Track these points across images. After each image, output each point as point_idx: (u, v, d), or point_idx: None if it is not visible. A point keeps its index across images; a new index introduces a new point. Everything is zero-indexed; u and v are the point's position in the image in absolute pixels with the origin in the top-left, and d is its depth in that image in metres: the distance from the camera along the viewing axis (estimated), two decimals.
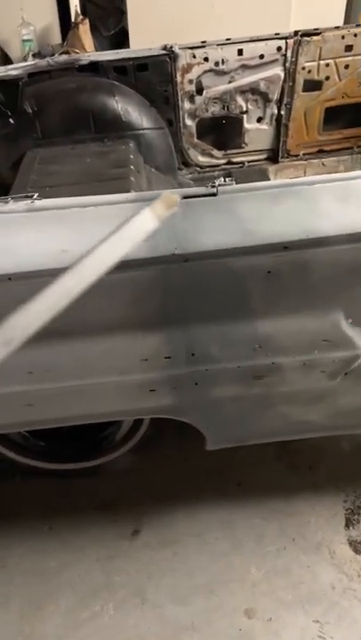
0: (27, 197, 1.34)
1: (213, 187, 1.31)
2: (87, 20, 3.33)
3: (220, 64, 2.43)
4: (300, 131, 2.66)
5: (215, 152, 2.68)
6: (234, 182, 1.33)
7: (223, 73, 2.47)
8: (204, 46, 2.40)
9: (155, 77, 2.41)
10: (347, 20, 3.73)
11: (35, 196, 1.33)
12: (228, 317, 1.36)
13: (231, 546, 1.67)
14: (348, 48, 2.45)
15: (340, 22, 3.63)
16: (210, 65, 2.43)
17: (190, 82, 2.47)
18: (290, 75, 2.49)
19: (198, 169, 2.69)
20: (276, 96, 2.56)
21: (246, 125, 2.64)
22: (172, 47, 2.35)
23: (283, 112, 2.59)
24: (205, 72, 2.45)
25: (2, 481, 1.86)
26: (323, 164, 2.73)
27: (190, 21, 3.19)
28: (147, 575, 1.62)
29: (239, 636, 1.47)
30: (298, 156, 2.72)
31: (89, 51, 3.28)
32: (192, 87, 2.48)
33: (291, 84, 2.52)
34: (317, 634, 1.46)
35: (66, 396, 1.43)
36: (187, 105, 2.53)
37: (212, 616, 1.52)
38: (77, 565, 1.65)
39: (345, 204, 1.28)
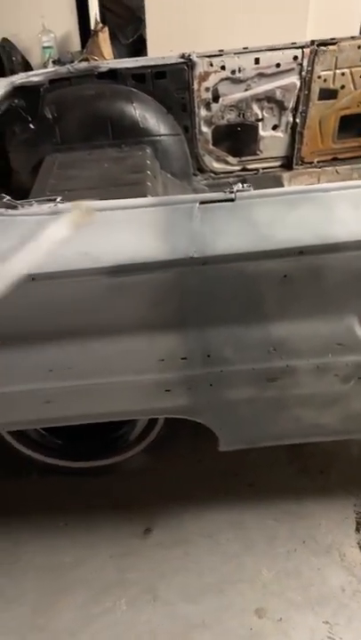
0: (50, 200, 1.38)
1: (231, 192, 1.34)
2: (107, 28, 3.39)
3: (237, 72, 2.48)
4: (314, 138, 2.69)
5: (230, 159, 2.71)
6: (251, 188, 1.36)
7: (240, 81, 2.51)
8: (221, 55, 2.44)
9: (172, 85, 2.46)
10: None
11: (58, 199, 1.37)
12: (243, 320, 1.38)
13: (242, 547, 1.69)
14: None
15: (356, 31, 3.65)
16: (227, 73, 2.47)
17: (207, 89, 2.51)
18: (306, 83, 2.52)
19: (213, 175, 2.73)
20: (291, 104, 2.59)
21: (261, 133, 2.67)
22: (189, 55, 2.40)
23: (298, 120, 2.63)
24: (222, 80, 2.49)
25: (18, 478, 1.89)
26: (336, 171, 2.75)
27: (207, 30, 3.24)
28: (159, 573, 1.64)
29: (250, 635, 1.49)
30: (312, 163, 2.75)
31: (108, 58, 3.34)
32: (209, 95, 2.53)
33: (306, 92, 2.55)
34: (327, 635, 1.47)
35: (84, 394, 1.46)
36: (203, 112, 2.58)
37: (222, 615, 1.54)
38: (91, 562, 1.68)
39: (360, 210, 1.31)
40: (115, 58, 3.44)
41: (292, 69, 2.49)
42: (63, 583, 1.63)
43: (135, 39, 3.57)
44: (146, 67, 2.42)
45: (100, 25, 3.41)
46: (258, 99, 2.59)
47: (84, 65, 2.49)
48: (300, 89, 2.53)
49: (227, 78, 2.49)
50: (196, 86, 2.49)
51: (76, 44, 3.76)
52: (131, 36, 3.60)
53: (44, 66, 3.55)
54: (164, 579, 1.63)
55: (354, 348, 1.42)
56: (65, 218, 1.32)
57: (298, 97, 2.57)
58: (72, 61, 2.70)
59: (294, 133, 2.67)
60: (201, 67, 2.44)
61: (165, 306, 1.35)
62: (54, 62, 3.53)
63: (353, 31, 3.64)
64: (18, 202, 1.39)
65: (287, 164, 2.75)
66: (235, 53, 2.45)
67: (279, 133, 2.69)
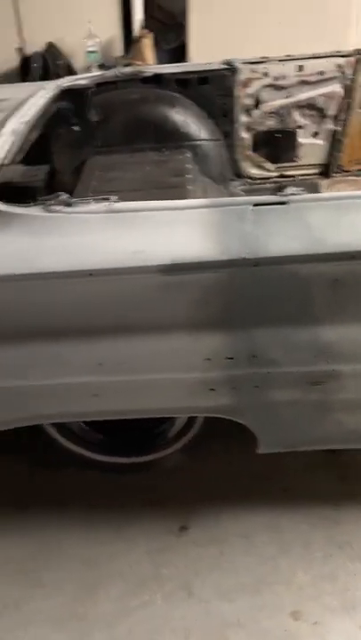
0: (105, 199, 1.42)
1: (285, 195, 1.36)
2: (150, 34, 3.45)
3: (280, 79, 2.50)
4: (354, 147, 2.69)
5: (268, 165, 2.73)
6: (304, 192, 1.38)
7: (282, 88, 2.53)
8: (264, 61, 2.47)
9: (214, 90, 2.49)
10: None
11: (113, 198, 1.41)
12: (291, 322, 1.40)
13: (278, 549, 1.69)
14: None
15: None
16: (269, 80, 2.49)
17: (249, 96, 2.54)
18: (348, 91, 2.53)
19: (250, 181, 2.75)
20: (332, 112, 2.60)
21: (301, 140, 2.68)
22: (233, 62, 2.43)
23: (338, 128, 2.63)
24: (264, 87, 2.52)
25: (56, 470, 1.93)
26: None
27: (248, 37, 3.28)
28: (194, 570, 1.66)
29: (285, 636, 1.50)
30: (350, 171, 2.75)
31: (150, 63, 3.40)
32: (250, 101, 2.55)
33: (349, 100, 2.56)
34: None
35: (130, 389, 1.49)
36: (243, 118, 2.60)
37: (257, 615, 1.55)
38: (127, 555, 1.70)
39: None
40: (156, 63, 3.50)
41: (335, 77, 2.50)
42: (101, 575, 1.66)
43: (176, 45, 3.63)
44: (190, 72, 2.46)
45: (144, 31, 3.48)
46: (299, 106, 2.60)
47: (129, 69, 2.54)
48: (343, 97, 2.54)
49: (269, 85, 2.51)
50: (238, 92, 2.52)
51: (119, 49, 3.83)
52: (173, 41, 3.66)
53: (88, 70, 3.63)
54: (199, 576, 1.64)
55: None
56: None
57: (340, 105, 2.57)
58: (115, 66, 2.75)
59: (334, 141, 2.67)
60: (244, 73, 2.46)
61: (215, 305, 1.37)
62: (99, 67, 3.60)
63: None
64: (74, 199, 1.44)
65: (325, 171, 2.76)
66: (278, 60, 2.47)
67: (319, 141, 2.69)
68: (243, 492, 1.85)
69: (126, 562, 1.69)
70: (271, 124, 2.65)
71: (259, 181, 2.75)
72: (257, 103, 2.58)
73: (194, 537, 1.74)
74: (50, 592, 1.63)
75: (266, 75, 2.49)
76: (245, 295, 1.36)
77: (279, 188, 1.39)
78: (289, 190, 1.37)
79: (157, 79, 2.46)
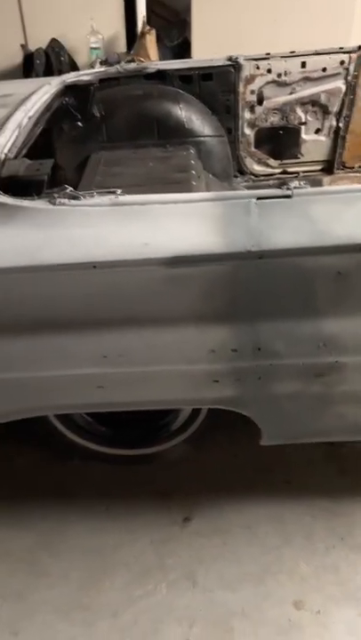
0: (111, 192, 1.43)
1: (288, 189, 1.37)
2: (154, 31, 3.46)
3: (283, 75, 2.51)
4: (357, 143, 2.70)
5: (271, 161, 2.74)
6: (308, 186, 1.39)
7: (285, 84, 2.54)
8: (268, 58, 2.48)
9: (218, 87, 2.50)
10: None
11: (119, 192, 1.42)
12: (295, 314, 1.41)
13: (281, 540, 1.71)
14: None
15: None
16: (273, 76, 2.50)
17: (252, 92, 2.55)
18: (351, 88, 2.54)
19: (253, 177, 2.76)
20: (335, 108, 2.61)
21: (304, 136, 2.69)
22: (237, 58, 2.44)
23: (341, 124, 2.64)
24: (268, 83, 2.53)
25: (61, 462, 1.95)
26: None
27: (252, 34, 3.29)
28: (197, 560, 1.68)
29: (288, 625, 1.51)
30: (353, 168, 2.76)
31: (153, 60, 3.41)
32: (253, 97, 2.56)
33: (351, 97, 2.57)
34: None
35: (135, 380, 1.51)
36: (247, 114, 2.61)
37: (261, 604, 1.57)
38: (132, 546, 1.72)
39: None
40: (160, 60, 3.51)
41: (338, 74, 2.51)
42: (105, 565, 1.68)
43: (180, 42, 3.65)
44: (193, 68, 2.47)
45: (148, 27, 3.49)
46: (302, 102, 2.62)
47: (132, 65, 2.55)
48: (346, 93, 2.55)
49: (272, 81, 2.52)
50: (241, 89, 2.53)
51: (122, 45, 3.84)
52: (176, 38, 3.67)
53: (91, 66, 3.64)
54: (203, 566, 1.66)
55: None
56: None
57: (343, 101, 2.58)
58: (118, 62, 2.76)
59: (337, 137, 2.68)
60: (247, 69, 2.47)
61: (220, 298, 1.39)
62: (101, 63, 3.62)
63: None
64: (80, 193, 1.45)
65: (328, 168, 2.77)
66: (282, 57, 2.48)
67: (322, 137, 2.71)
68: (246, 483, 1.87)
69: (131, 552, 1.71)
70: (274, 120, 2.66)
71: (262, 178, 2.76)
72: (260, 99, 2.59)
73: (197, 528, 1.76)
74: (55, 582, 1.65)
75: (269, 71, 2.50)
76: (250, 288, 1.38)
77: (283, 182, 1.40)
78: (293, 184, 1.39)
79: (161, 75, 2.47)
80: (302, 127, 2.69)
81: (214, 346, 1.45)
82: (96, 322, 1.43)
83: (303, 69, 2.50)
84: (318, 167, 2.78)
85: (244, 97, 2.57)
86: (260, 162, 2.75)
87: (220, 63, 2.48)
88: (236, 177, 2.75)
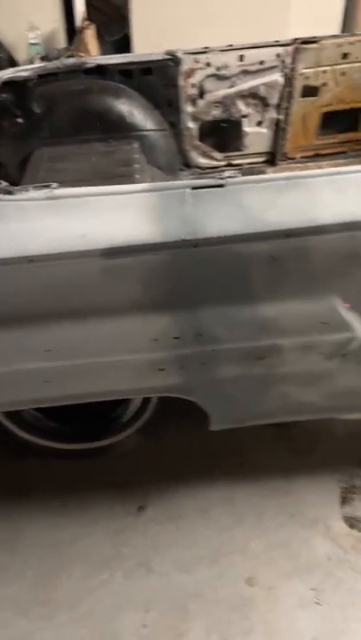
0: (45, 186, 1.43)
1: (221, 178, 1.41)
2: (93, 26, 3.45)
3: (222, 69, 2.54)
4: (297, 135, 2.77)
5: (215, 154, 2.78)
6: (240, 175, 1.43)
7: (225, 78, 2.58)
8: (206, 52, 2.51)
9: (159, 81, 2.52)
10: (345, 25, 3.84)
11: (54, 185, 1.42)
12: (233, 300, 1.45)
13: (233, 521, 1.76)
14: (345, 56, 2.57)
15: (338, 26, 3.73)
16: (212, 70, 2.54)
17: (193, 86, 2.58)
18: (288, 80, 2.60)
19: (199, 170, 2.79)
20: (275, 101, 2.67)
21: (246, 129, 2.74)
22: (175, 52, 2.47)
23: (281, 116, 2.70)
24: (208, 77, 2.56)
25: (16, 461, 1.94)
26: (319, 167, 2.84)
27: (191, 28, 3.31)
28: (153, 547, 1.70)
29: (242, 602, 1.56)
30: (295, 159, 2.83)
31: (94, 55, 3.40)
32: (195, 91, 2.59)
33: (289, 89, 2.63)
34: (314, 601, 1.55)
35: (81, 373, 1.52)
36: (189, 108, 2.64)
37: (215, 584, 1.61)
38: (88, 538, 1.73)
39: (342, 195, 1.39)
40: (101, 55, 3.49)
41: (275, 67, 2.56)
42: (62, 559, 1.69)
43: (120, 37, 3.64)
44: (133, 63, 2.48)
45: (87, 22, 3.47)
46: (242, 95, 2.66)
47: (72, 61, 2.53)
48: (284, 86, 2.61)
49: (212, 75, 2.56)
50: (182, 82, 2.55)
51: (62, 41, 3.81)
52: (116, 33, 3.66)
53: (31, 62, 3.59)
54: (158, 552, 1.69)
55: (337, 327, 1.49)
56: None
57: (281, 94, 2.65)
58: (58, 58, 2.74)
59: (278, 129, 2.74)
60: (187, 63, 2.50)
61: (158, 287, 1.41)
62: (42, 59, 3.58)
63: (335, 25, 3.73)
64: (15, 187, 1.44)
65: (271, 159, 2.83)
66: (220, 50, 2.52)
67: (263, 129, 2.76)
68: (198, 469, 1.91)
69: (87, 544, 1.72)
70: (217, 113, 2.70)
71: (207, 171, 2.80)
72: (201, 93, 2.62)
73: (152, 515, 1.79)
74: (12, 579, 1.65)
75: (208, 65, 2.53)
76: (187, 276, 1.41)
77: (217, 172, 1.44)
78: (226, 173, 1.42)
79: (100, 70, 2.47)
80: (244, 120, 2.74)
81: (156, 334, 1.47)
82: (37, 316, 1.43)
83: (241, 63, 2.55)
84: (262, 159, 2.84)
85: (186, 91, 2.59)
86: (204, 155, 2.78)
87: (160, 57, 2.49)
88: (181, 170, 2.77)
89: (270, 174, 1.57)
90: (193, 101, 2.62)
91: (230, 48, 2.51)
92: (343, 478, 1.85)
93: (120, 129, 2.48)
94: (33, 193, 1.42)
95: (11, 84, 2.37)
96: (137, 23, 3.36)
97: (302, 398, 1.65)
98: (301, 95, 2.66)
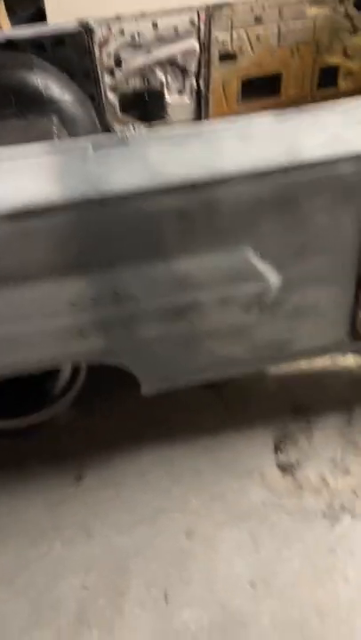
0: None
1: (124, 135, 1.40)
2: (2, 0, 3.34)
3: (137, 37, 2.51)
4: (219, 102, 2.78)
5: (139, 126, 2.75)
6: (142, 130, 1.42)
7: (140, 46, 2.55)
8: (118, 19, 2.47)
9: (73, 52, 2.46)
10: None
11: None
12: (147, 258, 1.45)
13: (171, 481, 1.78)
14: (258, 20, 2.58)
15: None
16: (126, 38, 2.50)
17: (109, 56, 2.54)
18: (205, 47, 2.60)
19: None
20: (193, 68, 2.66)
21: (167, 98, 2.73)
22: (87, 21, 2.41)
23: (202, 84, 2.70)
24: (123, 45, 2.52)
25: None
26: None
27: None
28: (92, 514, 1.71)
29: (181, 555, 1.59)
30: None
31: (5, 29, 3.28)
32: (111, 61, 2.55)
33: (206, 55, 2.63)
34: (250, 545, 1.60)
35: (2, 343, 1.48)
36: (107, 79, 2.60)
37: (154, 541, 1.63)
38: (27, 512, 1.72)
39: (245, 145, 1.41)
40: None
41: (190, 33, 2.55)
42: (1, 533, 1.66)
43: (34, 11, 3.53)
44: (44, 34, 2.42)
45: None
46: (160, 64, 2.64)
47: None
48: (200, 52, 2.61)
49: (127, 44, 2.52)
50: (97, 53, 2.51)
51: None
52: (28, 7, 3.55)
53: None
54: (98, 518, 1.70)
55: (251, 277, 1.52)
56: None
57: (199, 60, 2.64)
58: None
59: (200, 97, 2.74)
60: (100, 32, 2.45)
61: (69, 248, 1.39)
62: None
63: None
64: None
65: None
66: (132, 17, 2.48)
67: (185, 98, 2.75)
68: (135, 436, 1.92)
69: (25, 518, 1.71)
70: (136, 83, 2.67)
71: None
72: (118, 63, 2.58)
73: (90, 484, 1.79)
74: None
75: (122, 33, 2.49)
76: (97, 235, 1.39)
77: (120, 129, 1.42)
78: (127, 130, 1.41)
79: (11, 44, 2.39)
80: (165, 89, 2.72)
81: (73, 298, 1.46)
82: None
83: (155, 30, 2.52)
84: None
85: (102, 61, 2.55)
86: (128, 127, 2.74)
87: (71, 27, 2.44)
88: None
89: (173, 129, 1.57)
90: (111, 72, 2.58)
91: (142, 15, 2.48)
92: (276, 429, 1.90)
93: (37, 103, 2.42)
94: None
95: None
96: None
97: (227, 353, 1.68)
98: (219, 61, 2.66)
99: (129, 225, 1.40)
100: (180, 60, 2.64)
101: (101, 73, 2.58)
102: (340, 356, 2.08)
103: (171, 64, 2.66)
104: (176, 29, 2.54)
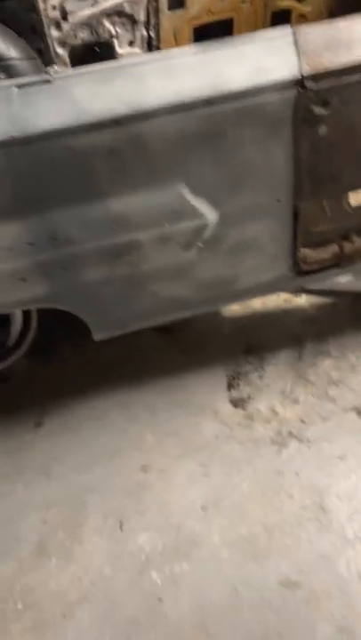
0: None
1: (48, 74, 1.39)
2: None
3: None
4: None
5: None
6: (68, 69, 1.42)
7: None
8: None
9: (17, 5, 2.40)
10: None
11: None
12: (80, 198, 1.46)
13: (127, 421, 1.84)
14: None
15: None
16: None
17: (54, 8, 2.47)
18: None
19: None
20: (142, 17, 2.60)
21: (119, 50, 2.66)
22: None
23: (152, 33, 2.65)
24: None
25: None
26: None
27: None
28: (52, 458, 1.77)
29: (136, 488, 1.66)
30: None
31: None
32: (56, 13, 2.49)
33: (154, 3, 2.57)
34: (203, 474, 1.67)
35: None
36: (54, 33, 2.54)
37: (111, 478, 1.70)
38: None
39: (168, 78, 1.41)
40: None
41: None
42: None
43: None
44: None
45: None
46: (107, 14, 2.58)
47: None
48: (148, 0, 2.55)
49: None
50: (41, 5, 2.44)
51: None
52: None
53: None
54: (57, 461, 1.76)
55: (187, 214, 1.53)
56: None
57: (147, 9, 2.58)
58: None
59: (151, 48, 2.69)
60: None
61: (0, 192, 1.40)
62: None
63: None
64: None
65: None
66: None
67: (136, 49, 2.70)
68: (92, 383, 1.97)
69: None
70: (85, 36, 2.60)
71: None
72: (64, 15, 2.52)
73: (50, 429, 1.85)
74: None
75: None
76: (26, 177, 1.40)
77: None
78: (52, 69, 1.40)
79: None
80: (115, 41, 2.66)
81: (10, 243, 1.47)
82: None
83: None
84: None
85: (47, 14, 2.48)
86: None
87: None
88: None
89: (97, 65, 1.57)
90: (57, 25, 2.52)
91: None
92: (230, 368, 1.95)
93: None
94: None
95: None
96: None
97: (172, 294, 1.70)
98: (168, 8, 2.61)
99: (59, 165, 1.40)
100: (127, 9, 2.58)
101: (47, 26, 2.52)
102: (293, 297, 2.13)
103: (119, 14, 2.60)
104: None
